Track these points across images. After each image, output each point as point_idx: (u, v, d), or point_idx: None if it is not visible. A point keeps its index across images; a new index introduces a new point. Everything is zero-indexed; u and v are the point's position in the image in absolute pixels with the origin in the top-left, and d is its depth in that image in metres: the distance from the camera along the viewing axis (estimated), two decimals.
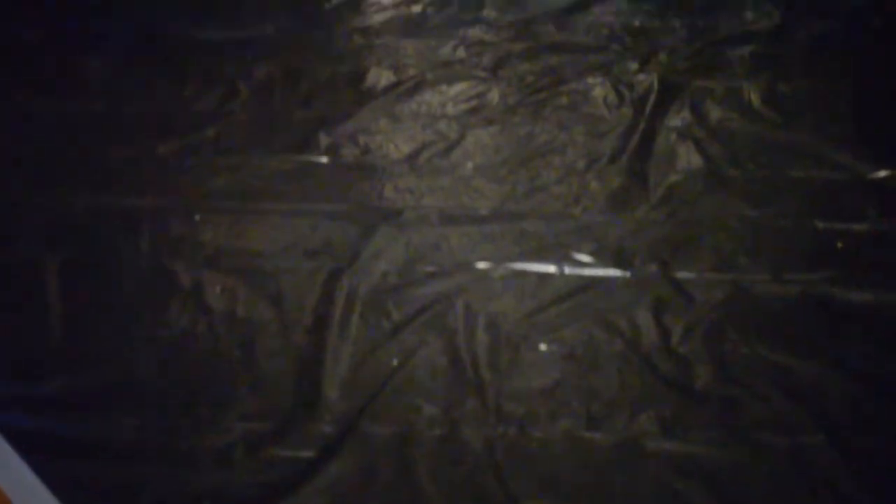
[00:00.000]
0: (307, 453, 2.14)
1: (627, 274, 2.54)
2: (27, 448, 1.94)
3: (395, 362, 2.32)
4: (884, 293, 2.50)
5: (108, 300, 2.46)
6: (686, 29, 3.56)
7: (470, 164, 2.90)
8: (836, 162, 2.92)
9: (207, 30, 3.46)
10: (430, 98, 3.16)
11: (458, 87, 3.20)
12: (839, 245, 2.66)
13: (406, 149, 2.95)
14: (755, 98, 3.18)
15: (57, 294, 2.48)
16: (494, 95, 3.17)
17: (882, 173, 2.87)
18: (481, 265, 2.55)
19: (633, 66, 3.31)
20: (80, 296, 2.46)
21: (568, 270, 2.54)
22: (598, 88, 3.22)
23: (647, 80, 3.24)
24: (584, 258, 2.57)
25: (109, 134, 3.00)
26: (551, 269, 2.55)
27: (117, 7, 3.62)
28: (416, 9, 3.62)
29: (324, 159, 2.90)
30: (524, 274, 2.54)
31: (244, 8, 3.59)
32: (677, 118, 3.09)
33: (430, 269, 2.54)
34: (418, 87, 3.19)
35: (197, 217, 2.68)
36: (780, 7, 3.72)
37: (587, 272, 2.54)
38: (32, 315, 2.44)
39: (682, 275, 2.53)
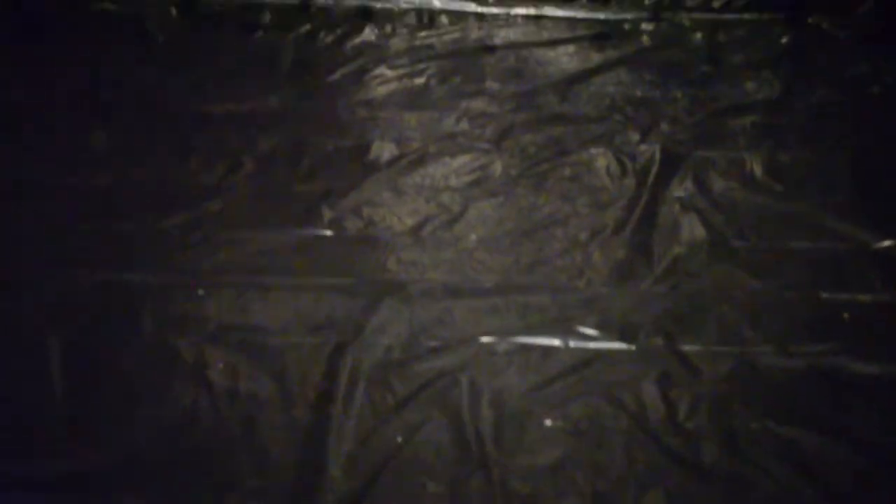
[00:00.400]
0: None
1: (632, 347, 2.53)
2: None
3: (399, 439, 2.30)
4: (890, 365, 2.48)
5: (110, 378, 2.45)
6: (687, 99, 3.59)
7: (473, 237, 2.91)
8: (840, 232, 2.93)
9: (213, 103, 3.48)
10: (433, 170, 3.17)
11: (462, 160, 3.22)
12: (845, 316, 2.65)
13: (410, 221, 2.95)
14: (757, 168, 3.20)
15: (59, 372, 2.46)
16: (497, 167, 3.19)
17: (886, 243, 2.88)
18: (485, 339, 2.54)
19: (636, 136, 3.33)
20: (83, 374, 2.45)
21: (573, 344, 2.53)
22: (601, 159, 3.24)
23: (649, 150, 3.26)
24: (589, 331, 2.56)
25: (113, 208, 3.00)
26: (556, 342, 2.54)
27: (124, 79, 3.64)
28: (420, 81, 3.66)
29: (327, 232, 2.91)
30: (529, 348, 2.52)
31: (249, 81, 3.62)
32: (680, 188, 3.10)
33: (434, 343, 2.53)
34: (421, 159, 3.21)
35: (200, 292, 2.68)
36: (779, 77, 3.76)
37: (592, 345, 2.53)
38: (34, 393, 2.42)
39: (687, 348, 2.52)
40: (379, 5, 4.17)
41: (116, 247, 2.85)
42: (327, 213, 2.96)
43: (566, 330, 2.56)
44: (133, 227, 2.91)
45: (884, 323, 2.63)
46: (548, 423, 2.34)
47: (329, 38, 3.95)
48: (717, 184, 3.12)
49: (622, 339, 2.54)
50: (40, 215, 2.96)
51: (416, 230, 2.92)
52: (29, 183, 3.09)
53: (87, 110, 3.43)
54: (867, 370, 2.47)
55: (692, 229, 2.93)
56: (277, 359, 2.49)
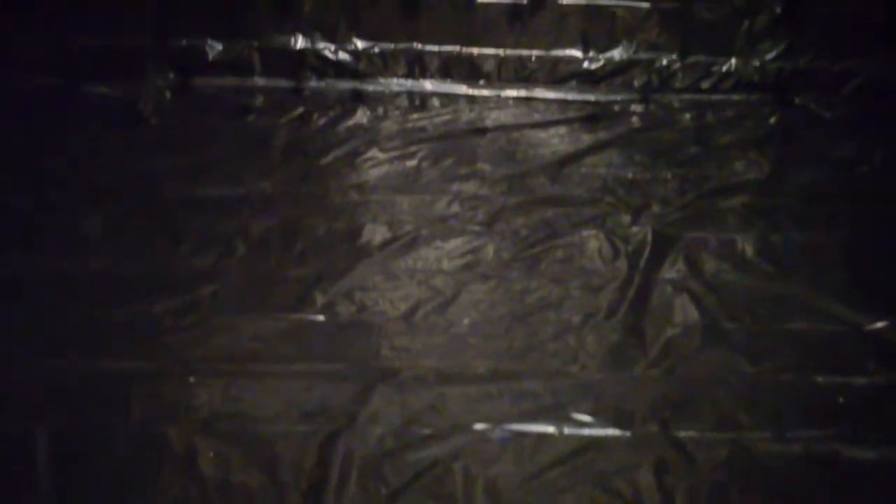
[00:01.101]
0: None
1: (627, 434, 2.50)
2: None
3: None
4: (888, 450, 2.46)
5: (99, 469, 2.41)
6: (677, 180, 3.61)
7: (466, 321, 2.90)
8: (833, 314, 2.92)
9: (206, 187, 3.49)
10: (425, 254, 3.17)
11: (454, 243, 3.22)
12: (840, 400, 2.63)
13: (402, 306, 2.94)
14: (749, 249, 3.21)
15: (46, 461, 2.42)
16: (489, 250, 3.19)
17: (880, 324, 2.87)
18: (479, 426, 2.52)
19: (627, 218, 3.35)
20: (71, 465, 2.41)
21: (567, 431, 2.51)
22: (593, 241, 3.24)
23: (640, 232, 3.27)
24: (584, 418, 2.54)
25: (104, 293, 2.99)
26: (550, 429, 2.51)
27: (116, 164, 3.66)
28: (411, 163, 3.68)
29: (320, 318, 2.89)
30: (523, 435, 2.50)
31: (242, 165, 3.64)
32: (672, 270, 3.10)
33: (427, 431, 2.50)
34: (413, 242, 3.21)
35: (191, 379, 2.65)
36: (769, 157, 3.80)
37: (586, 433, 2.51)
38: (20, 482, 2.38)
39: (683, 434, 2.49)
40: (371, 88, 4.22)
41: (106, 333, 2.83)
42: (319, 298, 2.95)
43: (560, 417, 2.54)
44: (124, 313, 2.89)
45: (880, 406, 2.62)
46: None
47: (322, 121, 3.99)
48: (709, 265, 3.13)
49: (617, 425, 2.52)
50: (30, 300, 2.95)
51: (408, 315, 2.91)
52: (20, 267, 3.07)
53: (79, 195, 3.43)
54: (865, 456, 2.45)
55: (685, 312, 2.93)
56: (269, 448, 2.46)
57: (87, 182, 3.52)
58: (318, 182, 3.56)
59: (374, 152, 3.75)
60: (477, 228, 3.28)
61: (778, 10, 4.19)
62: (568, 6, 4.17)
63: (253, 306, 2.93)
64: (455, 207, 3.39)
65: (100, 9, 4.19)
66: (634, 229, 3.29)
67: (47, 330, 2.83)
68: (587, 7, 4.18)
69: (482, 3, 4.18)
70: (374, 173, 3.62)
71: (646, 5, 4.17)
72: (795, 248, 3.24)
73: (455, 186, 3.52)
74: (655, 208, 3.41)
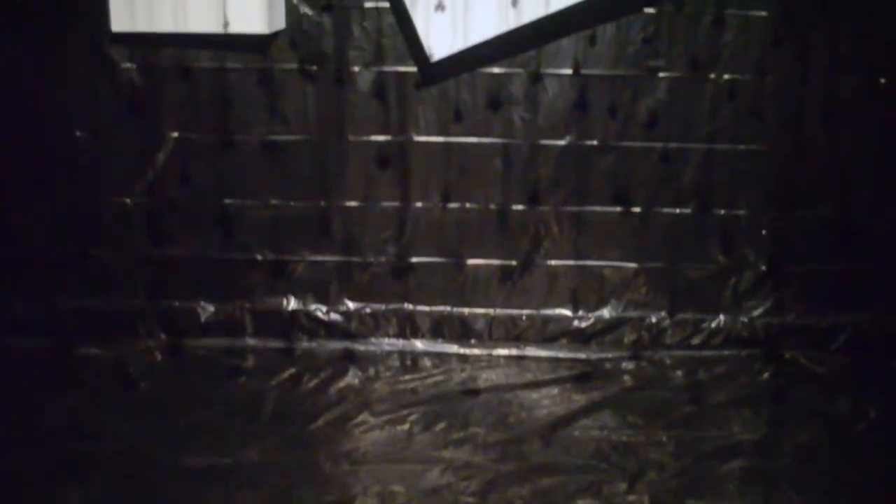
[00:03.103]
0: None
1: None
2: None
3: None
4: None
5: None
6: (673, 442, 3.56)
7: None
8: None
9: (192, 455, 3.42)
10: None
11: None
12: None
13: None
14: None
15: None
16: None
17: None
18: None
19: (623, 486, 3.27)
20: None
21: None
22: None
23: (638, 501, 3.18)
24: None
25: None
26: None
27: (103, 429, 3.61)
28: (403, 427, 3.63)
29: None
30: None
31: (230, 431, 3.59)
32: None
33: None
34: None
35: None
36: (763, 416, 3.77)
37: None
38: None
39: None
40: (362, 348, 4.24)
41: None
42: None
43: None
44: None
45: None
46: None
47: (313, 383, 3.97)
48: None
49: None
50: None
51: None
52: None
53: (60, 464, 3.35)
54: None
55: None
56: None
57: (70, 449, 3.45)
58: (309, 450, 3.49)
59: (365, 416, 3.70)
60: (470, 500, 3.19)
61: (763, 267, 4.28)
62: (557, 267, 4.26)
63: None
64: (448, 477, 3.31)
65: (93, 270, 4.27)
66: (631, 499, 3.20)
67: None
68: (576, 268, 4.26)
69: (472, 265, 4.27)
70: (365, 439, 3.56)
71: (633, 265, 4.26)
72: None
73: (447, 453, 3.46)
74: (652, 474, 3.34)
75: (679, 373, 4.12)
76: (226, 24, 3.84)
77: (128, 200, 4.22)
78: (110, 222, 4.25)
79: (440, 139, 4.15)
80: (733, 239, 4.27)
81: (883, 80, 4.09)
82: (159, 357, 4.20)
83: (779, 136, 4.15)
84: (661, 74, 4.08)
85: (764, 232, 4.25)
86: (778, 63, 4.08)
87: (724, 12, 4.02)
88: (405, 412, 3.74)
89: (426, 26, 3.86)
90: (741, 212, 4.23)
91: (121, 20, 3.90)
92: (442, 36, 3.86)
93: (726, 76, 4.08)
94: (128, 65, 4.08)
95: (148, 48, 4.05)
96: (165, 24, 3.87)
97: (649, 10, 4.02)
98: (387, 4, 4.01)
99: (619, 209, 4.23)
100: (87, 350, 4.19)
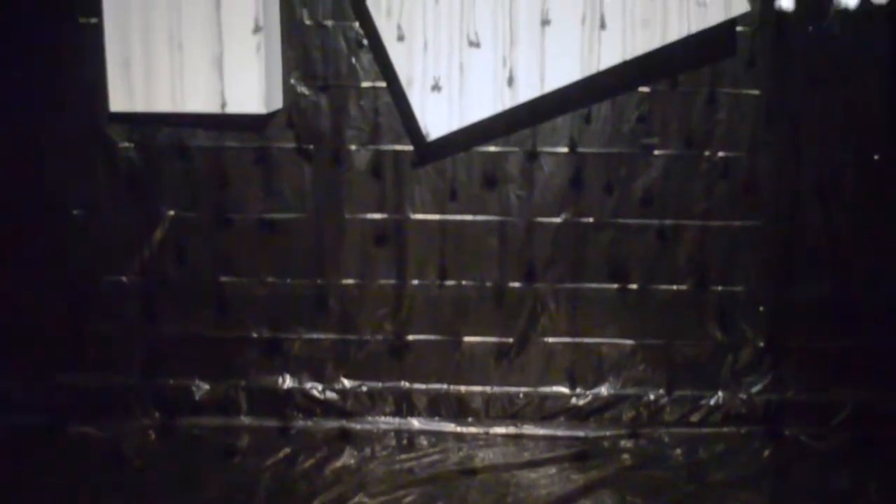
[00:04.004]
0: None
1: None
2: None
3: None
4: None
5: None
6: None
7: None
8: None
9: None
10: None
11: None
12: None
13: None
14: None
15: None
16: None
17: None
18: None
19: None
20: None
21: None
22: None
23: None
24: None
25: None
26: None
27: None
28: None
29: None
30: None
31: None
32: None
33: None
34: None
35: None
36: (765, 495, 3.74)
37: None
38: None
39: None
40: (358, 426, 4.20)
41: None
42: None
43: None
44: None
45: None
46: None
47: (308, 463, 3.93)
48: None
49: None
50: None
51: None
52: None
53: None
54: None
55: None
56: None
57: None
58: None
59: (361, 497, 3.65)
60: None
61: (761, 343, 4.26)
62: (554, 344, 4.24)
63: None
64: None
65: (87, 348, 4.25)
66: None
67: None
68: (573, 345, 4.25)
69: (469, 343, 4.25)
70: None
71: (630, 342, 4.25)
72: None
73: None
74: None
75: (678, 451, 4.08)
76: (223, 105, 3.87)
77: (123, 278, 4.21)
78: (105, 300, 4.23)
79: (436, 217, 4.17)
80: (731, 315, 4.25)
81: (877, 157, 4.12)
82: (153, 436, 4.15)
83: (774, 213, 4.17)
84: (656, 152, 4.11)
85: (761, 308, 4.25)
86: (771, 140, 4.11)
87: (717, 90, 4.06)
88: (402, 493, 3.69)
89: (422, 106, 3.90)
90: (738, 288, 4.23)
91: (119, 100, 3.93)
92: (438, 116, 3.90)
93: (720, 153, 4.11)
94: (126, 143, 4.10)
95: (146, 127, 4.08)
96: (163, 104, 3.90)
97: (644, 89, 4.06)
98: (383, 84, 4.06)
99: (615, 286, 4.22)
100: (80, 428, 4.14)
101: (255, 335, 4.26)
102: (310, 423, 4.21)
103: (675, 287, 4.22)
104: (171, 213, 4.16)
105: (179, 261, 4.20)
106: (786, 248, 4.20)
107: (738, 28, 3.99)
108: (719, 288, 4.23)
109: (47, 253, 4.22)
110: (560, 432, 4.19)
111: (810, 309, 4.24)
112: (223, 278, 4.22)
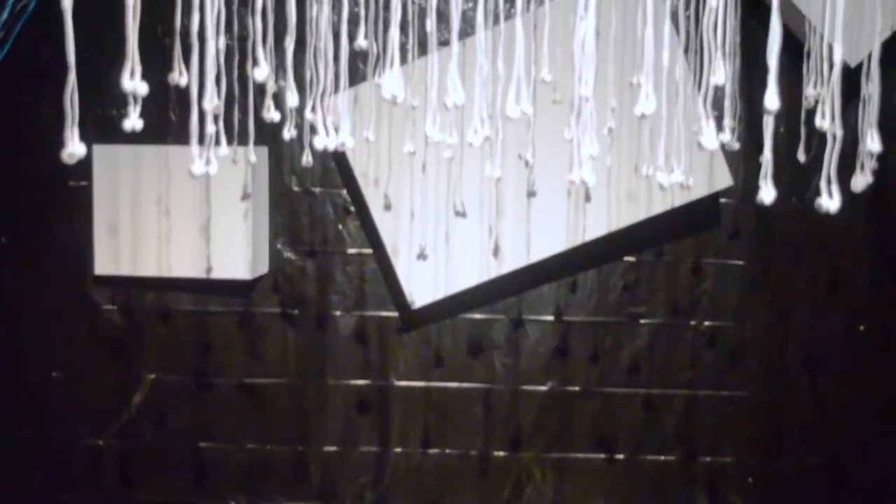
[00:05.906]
0: None
1: None
2: None
3: None
4: None
5: None
6: None
7: None
8: None
9: None
10: None
11: None
12: None
13: None
14: None
15: None
16: None
17: None
18: None
19: None
20: None
21: None
22: None
23: None
24: None
25: None
26: None
27: None
28: None
29: None
30: None
31: None
32: None
33: None
34: None
35: None
36: None
37: None
38: None
39: None
40: None
41: None
42: None
43: None
44: None
45: None
46: None
47: None
48: None
49: None
50: None
51: None
52: None
53: None
54: None
55: None
56: None
57: None
58: None
59: None
60: None
61: None
62: None
63: None
64: None
65: None
66: None
67: None
68: None
69: None
70: None
71: None
72: None
73: None
74: None
75: None
76: (209, 270, 3.86)
77: (100, 442, 4.11)
78: (81, 465, 4.12)
79: (421, 384, 4.12)
80: (720, 487, 4.17)
81: (862, 328, 4.12)
82: None
83: (761, 383, 4.13)
84: (642, 321, 4.10)
85: (751, 480, 4.16)
86: (757, 310, 4.11)
87: (702, 261, 4.08)
88: None
89: (408, 274, 3.89)
90: (727, 459, 4.15)
91: (104, 264, 3.92)
92: (424, 284, 3.89)
93: (707, 323, 4.10)
94: (109, 306, 4.07)
95: (130, 290, 4.06)
96: (149, 269, 3.89)
97: (629, 259, 4.08)
98: (370, 251, 4.06)
99: (602, 456, 4.14)
100: None
101: (232, 503, 4.14)
102: None
103: (662, 457, 4.15)
104: (152, 376, 4.09)
105: (158, 425, 4.11)
106: (774, 418, 4.15)
107: (722, 200, 4.03)
108: (708, 459, 4.15)
109: (22, 415, 4.13)
110: None
111: (800, 480, 4.16)
112: (202, 444, 4.13)
